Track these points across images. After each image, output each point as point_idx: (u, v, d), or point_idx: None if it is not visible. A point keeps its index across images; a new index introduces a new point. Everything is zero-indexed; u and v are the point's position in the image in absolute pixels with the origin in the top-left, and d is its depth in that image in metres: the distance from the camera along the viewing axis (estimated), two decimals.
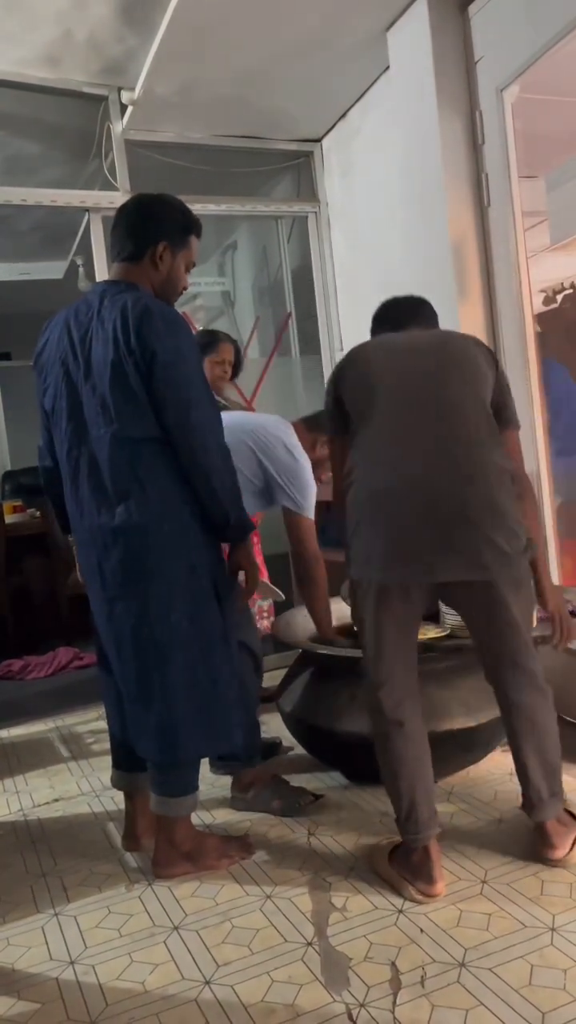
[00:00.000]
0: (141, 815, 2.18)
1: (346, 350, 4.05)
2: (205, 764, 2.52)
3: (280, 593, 2.73)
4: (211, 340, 3.19)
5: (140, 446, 1.87)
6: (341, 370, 2.01)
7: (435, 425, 1.84)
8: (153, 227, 1.98)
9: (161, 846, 2.06)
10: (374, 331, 2.18)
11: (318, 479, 2.67)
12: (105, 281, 2.02)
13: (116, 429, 1.87)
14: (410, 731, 1.88)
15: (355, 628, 2.01)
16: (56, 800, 2.64)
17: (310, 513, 2.41)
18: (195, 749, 2.00)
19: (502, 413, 1.95)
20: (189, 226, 2.03)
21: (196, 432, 1.86)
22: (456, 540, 1.78)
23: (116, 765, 2.23)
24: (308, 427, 2.56)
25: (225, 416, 2.63)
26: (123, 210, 2.04)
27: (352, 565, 1.91)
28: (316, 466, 2.56)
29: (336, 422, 2.02)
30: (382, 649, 1.88)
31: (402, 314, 2.12)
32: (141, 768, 2.10)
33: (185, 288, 2.09)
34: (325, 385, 2.07)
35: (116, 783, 2.25)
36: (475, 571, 1.78)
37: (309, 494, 2.41)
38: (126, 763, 2.18)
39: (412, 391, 1.89)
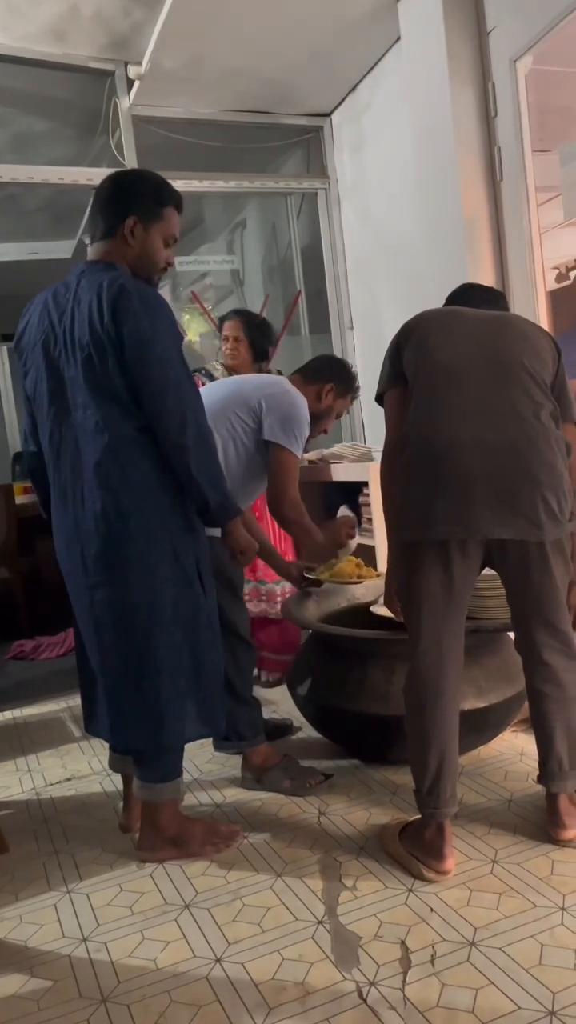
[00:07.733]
0: (136, 799, 2.17)
1: (356, 328, 4.06)
2: (205, 749, 2.54)
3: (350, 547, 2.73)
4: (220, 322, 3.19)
5: (120, 430, 1.83)
6: (407, 332, 1.99)
7: (495, 389, 1.85)
8: (123, 202, 1.91)
9: (145, 830, 2.06)
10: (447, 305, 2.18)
11: (324, 431, 2.63)
12: (85, 262, 1.95)
13: (96, 412, 1.83)
14: (447, 704, 1.87)
15: (399, 598, 1.97)
16: (68, 779, 2.65)
17: (296, 451, 2.32)
18: (178, 734, 1.96)
19: (558, 407, 1.93)
20: (163, 198, 1.94)
21: (173, 414, 1.81)
22: (515, 494, 1.78)
23: (112, 747, 2.21)
24: (306, 379, 2.52)
25: (223, 380, 2.60)
26: (98, 189, 1.97)
27: (403, 530, 1.88)
28: (321, 417, 2.53)
29: (393, 378, 2.00)
30: (430, 614, 1.85)
31: (478, 295, 2.16)
32: None
33: (169, 264, 2.00)
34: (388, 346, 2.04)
35: (113, 765, 2.24)
36: (530, 530, 1.79)
37: (298, 429, 2.31)
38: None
39: (473, 356, 1.89)
